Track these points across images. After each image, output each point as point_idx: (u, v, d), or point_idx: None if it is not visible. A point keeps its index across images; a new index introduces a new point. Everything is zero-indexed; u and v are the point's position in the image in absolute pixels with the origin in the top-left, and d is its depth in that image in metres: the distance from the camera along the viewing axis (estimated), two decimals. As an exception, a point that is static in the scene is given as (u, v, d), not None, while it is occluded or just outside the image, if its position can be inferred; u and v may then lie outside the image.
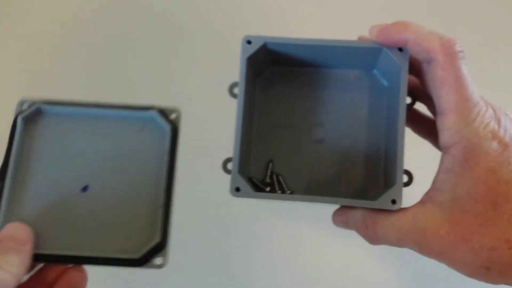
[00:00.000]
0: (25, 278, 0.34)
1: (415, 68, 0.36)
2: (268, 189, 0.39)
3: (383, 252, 0.59)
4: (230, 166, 0.36)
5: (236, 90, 0.37)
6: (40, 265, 0.36)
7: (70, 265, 0.35)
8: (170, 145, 0.36)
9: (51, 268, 0.35)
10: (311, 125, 0.40)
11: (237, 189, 0.34)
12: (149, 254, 0.34)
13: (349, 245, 0.59)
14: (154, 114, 0.37)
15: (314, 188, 0.39)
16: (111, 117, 0.37)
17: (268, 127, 0.40)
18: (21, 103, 0.37)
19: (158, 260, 0.34)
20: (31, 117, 0.37)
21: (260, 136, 0.40)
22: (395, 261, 0.59)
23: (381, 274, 0.58)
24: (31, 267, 0.34)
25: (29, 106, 0.37)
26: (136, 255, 0.34)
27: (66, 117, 0.37)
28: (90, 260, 0.34)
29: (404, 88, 0.34)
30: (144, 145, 0.37)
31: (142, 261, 0.34)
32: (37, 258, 0.34)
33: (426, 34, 0.33)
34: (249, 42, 0.36)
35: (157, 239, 0.34)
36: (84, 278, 0.35)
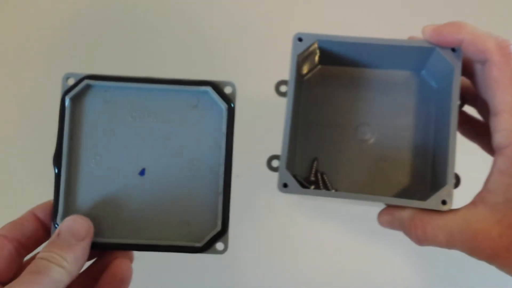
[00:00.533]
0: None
1: (466, 69, 0.35)
2: (312, 187, 0.39)
3: (386, 252, 0.58)
4: (274, 163, 0.36)
5: (283, 88, 0.37)
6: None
7: (116, 258, 0.34)
8: (227, 125, 0.34)
9: (97, 262, 0.35)
10: (357, 125, 0.40)
11: (285, 185, 0.34)
12: (211, 241, 0.33)
13: (350, 244, 0.59)
14: (208, 89, 0.34)
15: (358, 187, 0.39)
16: (163, 93, 0.35)
17: (313, 126, 0.40)
18: (66, 78, 0.34)
19: (219, 246, 0.34)
20: (78, 94, 0.35)
21: (305, 134, 0.40)
22: (399, 262, 0.58)
23: (381, 276, 0.58)
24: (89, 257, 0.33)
25: (76, 82, 0.34)
26: (199, 243, 0.34)
27: (114, 93, 0.35)
28: (152, 248, 0.34)
29: (456, 88, 0.34)
30: (199, 123, 0.35)
31: (204, 248, 0.34)
32: (96, 246, 0.33)
33: (482, 35, 0.32)
34: (300, 40, 0.36)
35: (218, 227, 0.34)
36: (130, 270, 0.34)
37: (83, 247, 0.31)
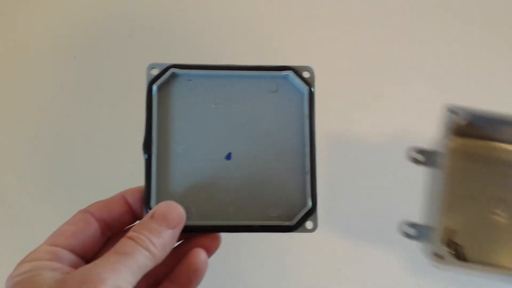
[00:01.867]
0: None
1: None
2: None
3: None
4: (409, 230, 0.36)
5: (418, 156, 0.38)
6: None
7: (193, 248, 0.33)
8: (309, 108, 0.35)
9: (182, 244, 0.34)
10: (491, 199, 0.40)
11: (440, 257, 0.34)
12: (302, 220, 0.34)
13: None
14: (288, 73, 0.36)
15: (494, 261, 0.38)
16: (243, 79, 0.36)
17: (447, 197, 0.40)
18: (150, 68, 0.36)
19: (309, 225, 0.34)
20: (164, 83, 0.36)
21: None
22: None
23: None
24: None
25: (161, 71, 0.36)
26: (291, 222, 0.34)
27: (198, 82, 0.36)
28: (245, 229, 0.34)
29: None
30: (280, 107, 0.36)
31: (296, 226, 0.34)
32: (187, 230, 0.32)
33: None
34: (452, 112, 0.37)
35: (309, 205, 0.34)
36: (205, 261, 0.33)
37: (173, 234, 0.31)
